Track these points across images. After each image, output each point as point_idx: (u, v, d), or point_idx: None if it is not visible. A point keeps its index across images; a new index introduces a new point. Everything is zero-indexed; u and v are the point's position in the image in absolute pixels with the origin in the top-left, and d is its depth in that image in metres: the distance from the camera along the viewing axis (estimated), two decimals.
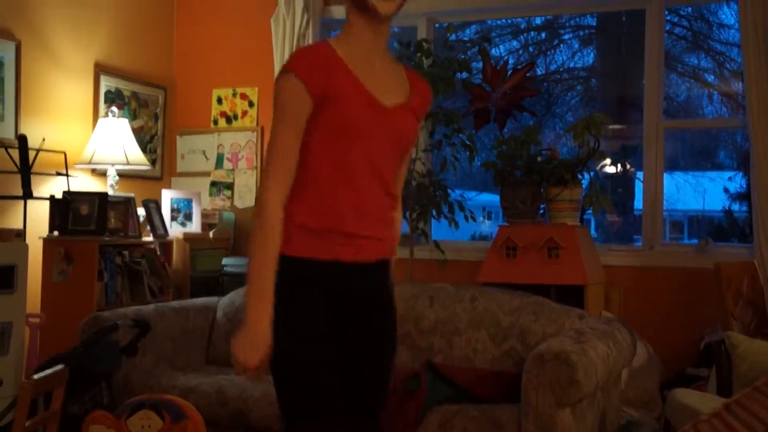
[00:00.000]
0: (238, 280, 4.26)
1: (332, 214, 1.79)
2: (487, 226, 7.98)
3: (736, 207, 6.17)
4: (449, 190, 4.20)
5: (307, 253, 1.79)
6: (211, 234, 4.78)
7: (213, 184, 5.11)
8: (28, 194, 3.86)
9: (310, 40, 4.78)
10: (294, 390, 1.78)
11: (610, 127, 4.55)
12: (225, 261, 4.56)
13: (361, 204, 1.82)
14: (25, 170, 3.85)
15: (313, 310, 1.79)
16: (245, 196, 5.03)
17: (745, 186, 5.54)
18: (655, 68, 4.37)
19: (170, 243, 4.48)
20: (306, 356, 1.78)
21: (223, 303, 3.74)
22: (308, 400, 1.77)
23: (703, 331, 3.79)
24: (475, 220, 4.22)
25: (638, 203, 4.54)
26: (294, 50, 1.89)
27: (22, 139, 3.87)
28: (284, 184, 1.77)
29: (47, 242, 4.00)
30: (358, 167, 1.81)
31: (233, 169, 5.08)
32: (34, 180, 3.98)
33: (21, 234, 3.75)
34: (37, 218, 4.10)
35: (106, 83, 4.70)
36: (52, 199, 4.06)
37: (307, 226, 1.79)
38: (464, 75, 4.22)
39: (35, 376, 2.38)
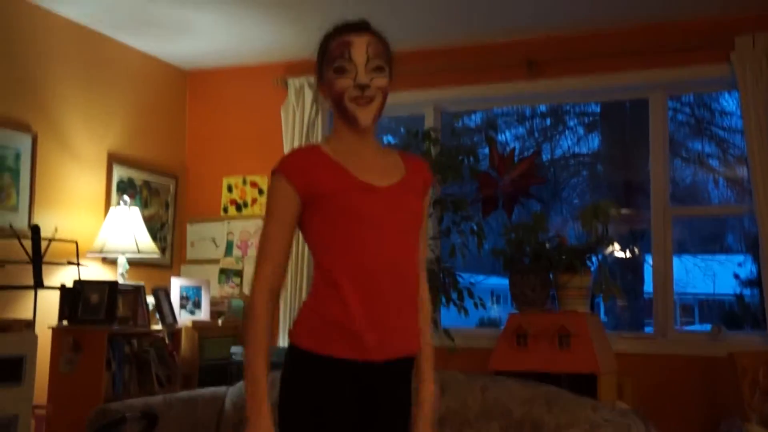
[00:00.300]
0: None
1: (349, 310, 1.78)
2: (495, 311, 7.94)
3: (747, 292, 6.14)
4: (458, 276, 4.20)
5: (319, 349, 1.79)
6: (219, 322, 4.77)
7: (222, 271, 5.12)
8: (39, 284, 3.88)
9: (319, 130, 4.88)
10: None
11: (618, 212, 4.58)
12: (233, 349, 4.53)
13: (378, 293, 1.79)
14: (37, 260, 3.88)
15: (322, 409, 1.77)
16: None
17: (755, 272, 5.53)
18: (660, 156, 4.42)
19: (179, 331, 4.47)
20: None
21: (231, 393, 3.69)
22: None
23: (721, 421, 3.72)
24: (485, 308, 4.21)
25: (648, 287, 4.53)
26: (286, 153, 1.96)
27: (35, 229, 3.91)
28: (271, 275, 1.82)
29: (56, 332, 4.00)
30: (369, 256, 1.80)
31: (243, 257, 5.10)
32: (46, 269, 4.00)
33: (30, 324, 3.75)
34: (48, 307, 4.10)
35: (119, 173, 4.78)
36: (62, 288, 4.07)
37: (320, 321, 1.79)
38: (471, 161, 4.27)
39: None
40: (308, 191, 1.82)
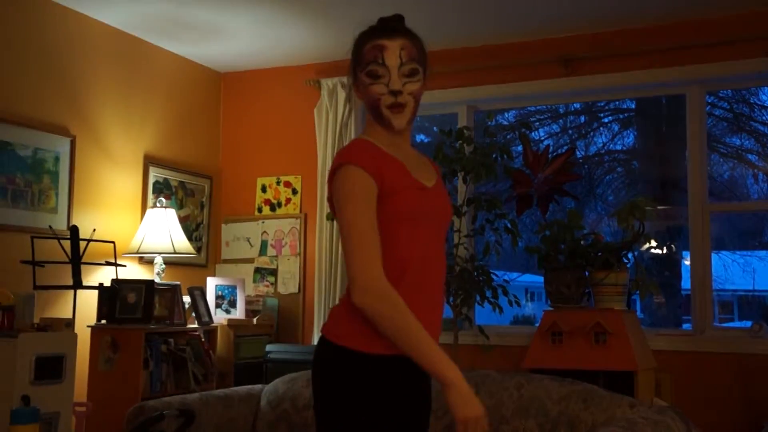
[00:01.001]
0: (282, 366, 4.25)
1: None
2: (530, 308, 7.89)
3: None
4: (492, 274, 4.18)
5: (368, 347, 1.78)
6: (255, 320, 4.80)
7: (257, 270, 5.16)
8: (78, 284, 3.94)
9: (352, 130, 4.89)
10: None
11: (654, 208, 4.53)
12: (269, 347, 4.56)
13: (426, 288, 1.83)
14: (76, 260, 3.95)
15: (370, 410, 1.77)
16: (288, 282, 5.07)
17: None
18: (698, 151, 4.36)
19: (215, 330, 4.51)
20: None
21: (267, 391, 3.71)
22: None
23: (762, 420, 3.65)
24: (519, 305, 4.19)
25: (685, 284, 4.47)
26: (342, 147, 1.92)
27: (74, 230, 3.98)
28: (380, 263, 1.75)
29: (95, 331, 4.06)
30: (419, 253, 1.82)
31: (277, 256, 5.13)
32: (84, 269, 4.07)
33: (70, 324, 3.81)
34: (86, 307, 4.17)
35: (155, 174, 4.84)
36: (100, 287, 4.14)
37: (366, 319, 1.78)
38: (505, 159, 4.25)
39: None
40: (380, 184, 1.80)
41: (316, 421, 1.84)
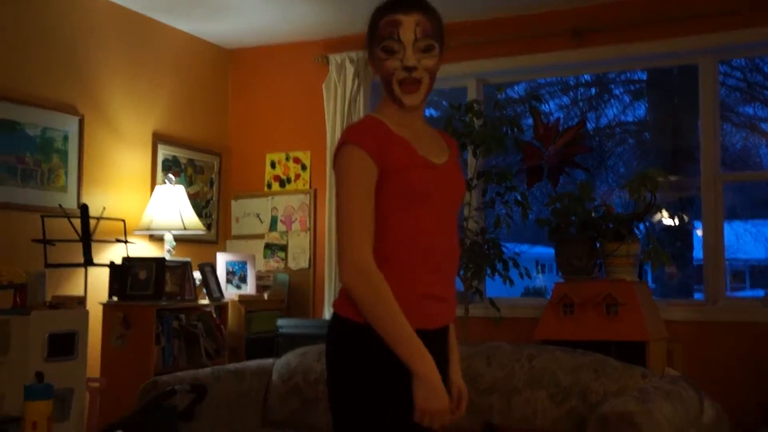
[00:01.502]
0: (293, 340, 4.26)
1: (408, 280, 1.78)
2: (541, 280, 7.87)
3: None
4: (503, 247, 4.17)
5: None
6: (265, 295, 4.82)
7: (267, 246, 5.17)
8: (88, 261, 3.96)
9: (361, 105, 4.87)
10: None
11: (666, 179, 4.49)
12: (280, 322, 4.58)
13: (436, 264, 1.83)
14: (86, 238, 3.96)
15: (381, 384, 1.77)
16: (299, 258, 5.08)
17: None
18: (710, 121, 4.32)
19: (225, 305, 4.53)
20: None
21: (278, 365, 3.73)
22: None
23: None
24: (530, 277, 4.18)
25: (697, 253, 4.44)
26: (349, 125, 1.91)
27: (84, 209, 3.99)
28: (370, 244, 1.76)
29: (107, 308, 4.08)
30: (428, 230, 1.82)
31: (287, 231, 5.13)
32: (95, 247, 4.08)
33: (82, 301, 3.83)
34: (98, 284, 4.19)
35: (164, 152, 4.84)
36: (111, 265, 4.15)
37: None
38: (515, 132, 4.22)
39: None
40: (381, 164, 1.79)
41: (328, 395, 1.84)
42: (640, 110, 6.84)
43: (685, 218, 5.46)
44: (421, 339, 1.76)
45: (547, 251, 4.22)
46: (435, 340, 1.81)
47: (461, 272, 4.06)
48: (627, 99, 6.80)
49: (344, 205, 1.78)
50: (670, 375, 3.35)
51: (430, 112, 6.55)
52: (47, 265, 3.81)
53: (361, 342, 1.77)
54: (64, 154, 4.20)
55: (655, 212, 3.99)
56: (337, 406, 1.81)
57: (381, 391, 1.76)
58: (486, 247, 4.14)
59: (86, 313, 3.66)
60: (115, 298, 4.11)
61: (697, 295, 4.51)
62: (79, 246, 3.96)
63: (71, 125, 4.24)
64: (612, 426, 2.49)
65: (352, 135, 1.81)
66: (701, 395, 3.01)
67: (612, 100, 6.80)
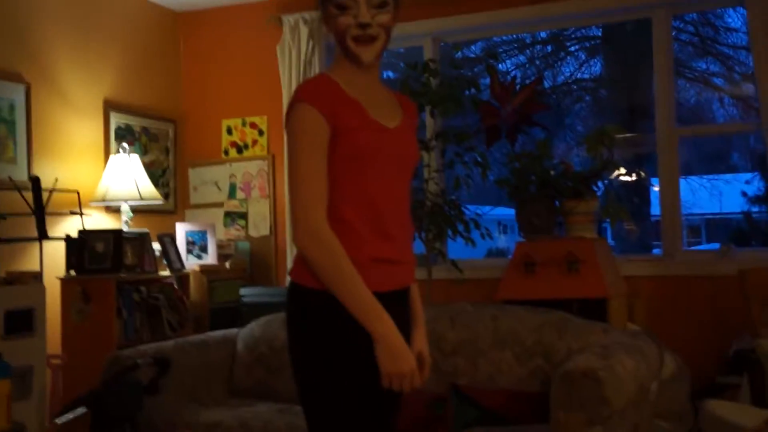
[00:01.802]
0: (257, 309, 4.24)
1: (359, 243, 1.77)
2: (503, 241, 7.94)
3: (755, 209, 6.10)
4: (464, 209, 4.17)
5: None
6: (227, 264, 4.77)
7: (227, 214, 5.11)
8: (43, 235, 3.86)
9: (316, 67, 4.79)
10: (324, 425, 1.76)
11: (623, 136, 4.53)
12: (243, 291, 4.54)
13: (386, 229, 1.81)
14: (39, 211, 3.86)
15: (344, 350, 1.76)
16: (260, 225, 5.03)
17: (763, 189, 5.48)
18: (665, 76, 4.34)
19: (187, 276, 4.48)
20: (337, 397, 1.75)
21: (243, 334, 3.71)
22: None
23: (732, 338, 3.73)
24: (492, 238, 4.19)
25: (654, 209, 4.51)
26: (302, 82, 1.86)
27: (35, 181, 3.88)
28: (324, 206, 1.74)
29: (65, 282, 4.00)
30: (377, 194, 1.80)
31: (246, 199, 5.07)
32: (49, 220, 3.98)
33: (38, 276, 3.75)
34: (54, 259, 4.10)
35: (116, 120, 4.72)
36: (67, 238, 4.06)
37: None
38: (472, 91, 4.20)
39: (58, 420, 2.36)
40: (333, 124, 1.76)
41: (292, 364, 1.83)
42: (596, 67, 6.88)
43: (642, 174, 5.54)
44: (383, 300, 1.75)
45: (508, 212, 4.23)
46: (392, 303, 1.79)
47: (422, 234, 4.06)
48: (582, 56, 6.83)
49: (297, 165, 1.76)
50: (631, 330, 3.41)
51: (387, 74, 6.49)
52: None
53: (319, 309, 1.76)
54: (11, 124, 4.06)
55: (613, 169, 4.01)
56: (301, 375, 1.80)
57: (344, 358, 1.75)
58: (447, 208, 4.14)
59: (43, 289, 3.58)
60: (72, 273, 4.03)
61: (656, 251, 4.58)
62: (32, 219, 3.86)
63: (17, 94, 4.10)
64: (576, 383, 2.53)
65: (304, 93, 1.78)
66: (662, 348, 3.08)
67: (568, 58, 6.81)
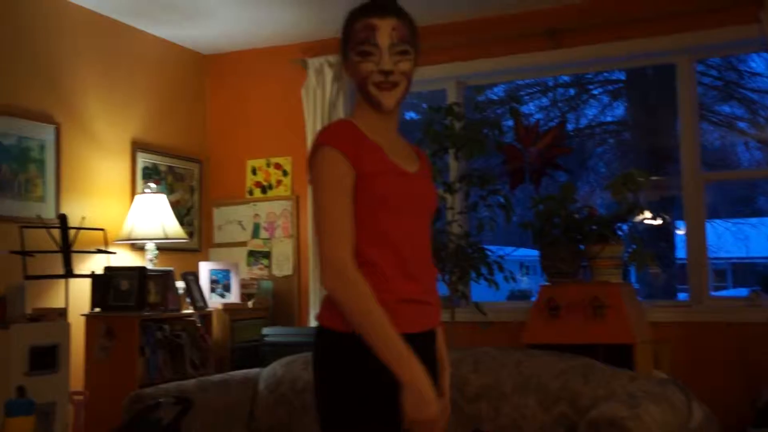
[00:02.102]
0: (279, 348, 4.23)
1: (385, 284, 1.76)
2: (526, 282, 7.89)
3: None
4: (487, 250, 4.16)
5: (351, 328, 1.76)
6: (250, 303, 4.78)
7: (250, 253, 5.13)
8: (69, 272, 3.90)
9: (341, 109, 4.84)
10: None
11: (647, 179, 4.51)
12: (265, 330, 4.54)
13: (410, 270, 1.81)
14: (66, 249, 3.90)
15: (370, 394, 1.75)
16: (283, 265, 5.04)
17: None
18: (689, 121, 4.34)
19: (210, 314, 4.48)
20: None
21: (264, 374, 3.70)
22: None
23: (762, 388, 3.66)
24: (515, 281, 4.17)
25: (680, 253, 4.47)
26: (324, 127, 1.89)
27: (63, 219, 3.93)
28: (351, 247, 1.74)
29: (89, 319, 4.02)
30: (400, 237, 1.81)
31: (270, 238, 5.10)
32: (75, 258, 4.02)
33: (63, 313, 3.78)
34: (79, 296, 4.13)
35: (143, 159, 4.78)
36: (93, 276, 4.09)
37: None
38: (496, 134, 4.21)
39: None
40: (356, 167, 1.77)
41: (316, 406, 1.82)
42: (619, 110, 6.88)
43: (667, 218, 5.50)
44: (416, 343, 1.74)
45: (531, 253, 4.21)
46: (420, 345, 1.79)
47: (446, 277, 4.05)
48: (606, 99, 6.84)
49: (323, 207, 1.77)
50: (657, 377, 3.36)
51: (410, 115, 6.53)
52: (26, 277, 3.75)
53: (345, 352, 1.75)
54: (41, 164, 4.13)
55: (638, 213, 3.99)
56: (326, 417, 1.79)
57: (368, 402, 1.74)
58: (470, 250, 4.13)
59: (68, 326, 3.60)
60: (97, 310, 4.05)
61: (681, 296, 4.52)
62: (59, 257, 3.90)
63: (47, 134, 4.17)
64: (602, 431, 2.49)
65: (327, 137, 1.80)
66: (689, 397, 3.02)
67: (591, 101, 6.83)
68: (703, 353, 4.05)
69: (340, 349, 1.77)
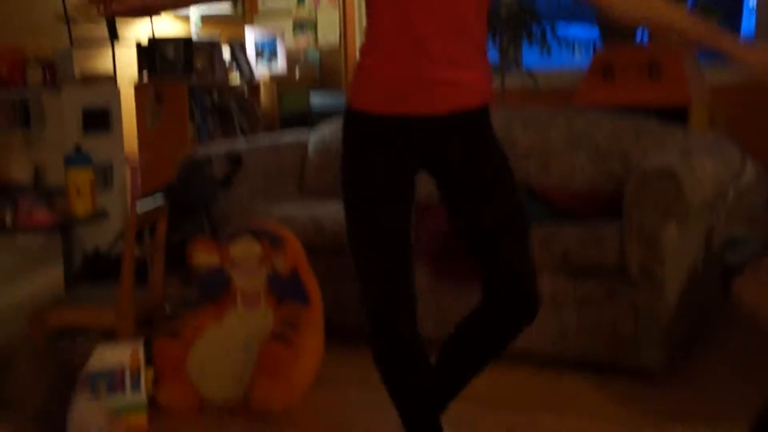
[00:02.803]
0: (326, 117, 4.23)
1: (379, 61, 1.66)
2: (578, 59, 7.61)
3: None
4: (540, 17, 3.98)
5: (360, 105, 1.70)
6: (297, 73, 4.72)
7: (295, 24, 4.99)
8: (114, 36, 3.86)
9: None
10: (356, 249, 1.75)
11: None
12: (313, 96, 4.51)
13: (426, 50, 1.63)
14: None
15: (372, 170, 1.71)
16: (328, 33, 4.91)
17: None
18: None
19: (257, 84, 4.46)
20: (361, 220, 1.73)
21: (313, 139, 3.72)
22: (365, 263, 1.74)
23: None
24: (568, 46, 4.01)
25: (746, 22, 4.22)
26: None
27: None
28: None
29: (138, 88, 4.04)
30: (416, 16, 1.62)
31: (315, 7, 4.93)
32: (119, 24, 3.96)
33: (112, 79, 3.79)
34: (125, 65, 4.12)
35: None
36: (138, 46, 4.05)
37: (369, 74, 1.68)
38: None
39: (137, 209, 2.44)
40: None
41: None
42: None
43: None
44: (430, 125, 1.67)
45: (584, 32, 4.01)
46: (453, 128, 1.69)
47: (497, 40, 3.90)
48: None
49: None
50: (712, 135, 3.29)
51: None
52: (73, 43, 3.73)
53: (351, 127, 1.73)
54: None
55: None
56: (341, 184, 1.80)
57: (352, 169, 1.73)
58: (523, 16, 3.95)
59: (117, 90, 3.63)
60: (145, 77, 4.05)
61: None
62: (103, 24, 3.85)
63: None
64: (652, 181, 2.46)
65: None
66: (744, 153, 2.96)
67: None
68: (761, 115, 3.91)
69: (346, 125, 1.74)
